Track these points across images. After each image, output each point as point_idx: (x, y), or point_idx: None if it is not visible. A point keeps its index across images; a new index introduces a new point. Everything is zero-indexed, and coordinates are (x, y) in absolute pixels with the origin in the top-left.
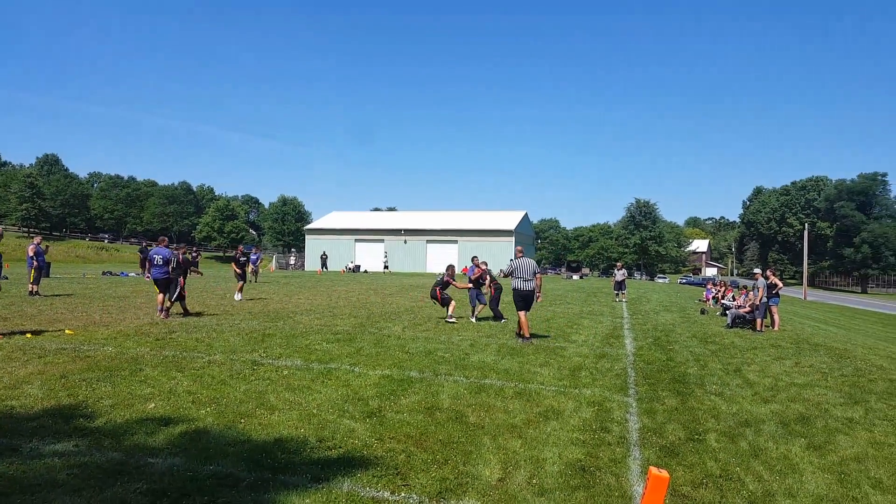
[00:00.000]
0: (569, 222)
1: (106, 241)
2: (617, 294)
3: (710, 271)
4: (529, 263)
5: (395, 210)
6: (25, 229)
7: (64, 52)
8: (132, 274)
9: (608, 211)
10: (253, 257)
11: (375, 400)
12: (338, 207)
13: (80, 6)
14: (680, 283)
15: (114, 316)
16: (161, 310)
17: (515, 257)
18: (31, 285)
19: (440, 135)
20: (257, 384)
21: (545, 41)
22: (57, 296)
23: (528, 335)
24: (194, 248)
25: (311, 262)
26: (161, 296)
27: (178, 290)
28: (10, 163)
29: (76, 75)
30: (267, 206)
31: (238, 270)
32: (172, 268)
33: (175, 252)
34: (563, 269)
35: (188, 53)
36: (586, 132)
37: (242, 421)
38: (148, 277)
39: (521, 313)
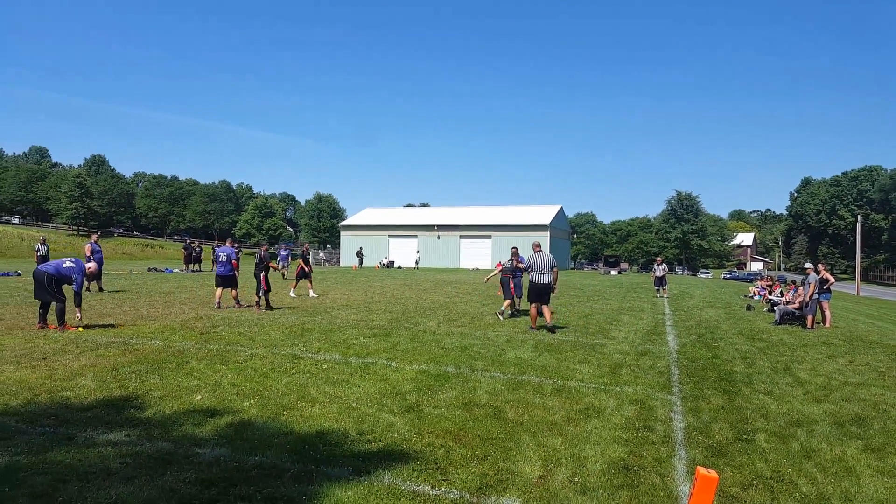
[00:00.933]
0: (606, 216)
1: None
2: (658, 290)
3: (756, 266)
4: (547, 257)
5: (428, 206)
6: (75, 228)
7: (108, 58)
8: (176, 270)
9: (647, 204)
10: (283, 253)
11: (413, 395)
12: (371, 204)
13: (122, 12)
14: (724, 278)
15: (160, 311)
16: (218, 305)
17: (534, 252)
18: (86, 282)
19: (473, 130)
20: (298, 377)
21: (582, 32)
22: (102, 290)
23: (534, 326)
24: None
25: (347, 258)
26: (219, 290)
27: (263, 285)
28: (60, 164)
29: (121, 80)
30: (303, 203)
31: (307, 268)
32: (256, 264)
33: (257, 250)
34: (601, 265)
35: (225, 57)
36: (624, 124)
37: (285, 413)
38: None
39: (533, 306)
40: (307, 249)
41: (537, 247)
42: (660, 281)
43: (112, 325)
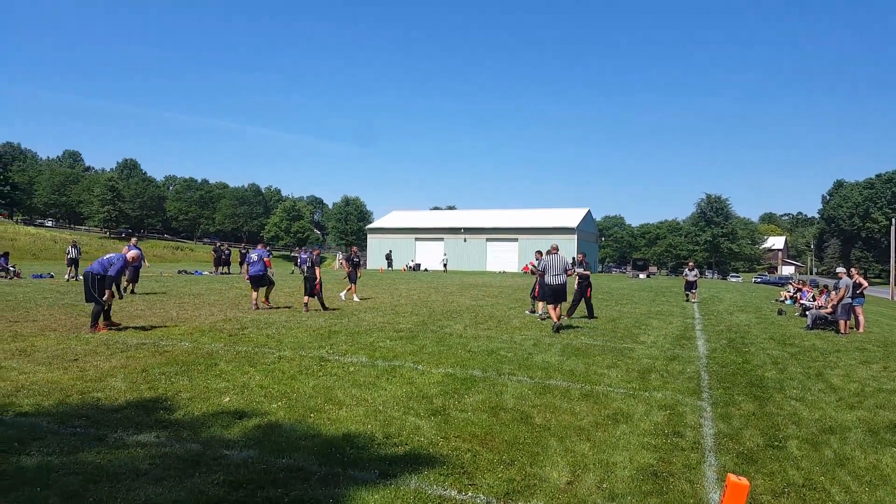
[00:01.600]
0: (634, 219)
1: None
2: (687, 294)
3: (787, 270)
4: (560, 260)
5: (455, 209)
6: (107, 230)
7: (138, 62)
8: (205, 273)
9: (677, 207)
10: (303, 256)
11: (440, 398)
12: (398, 206)
13: (148, 13)
14: (754, 282)
15: (190, 312)
16: (255, 306)
17: (548, 254)
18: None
19: (499, 131)
20: (325, 380)
21: (608, 31)
22: (135, 293)
23: (556, 320)
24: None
25: (373, 261)
26: (255, 292)
27: (316, 286)
28: (93, 167)
29: (150, 83)
30: (331, 206)
31: (349, 269)
32: (308, 266)
33: (310, 253)
34: (629, 268)
35: (251, 61)
36: (652, 125)
37: (312, 416)
38: (246, 277)
39: (550, 306)
40: (355, 252)
41: (554, 249)
42: (690, 285)
43: (143, 328)
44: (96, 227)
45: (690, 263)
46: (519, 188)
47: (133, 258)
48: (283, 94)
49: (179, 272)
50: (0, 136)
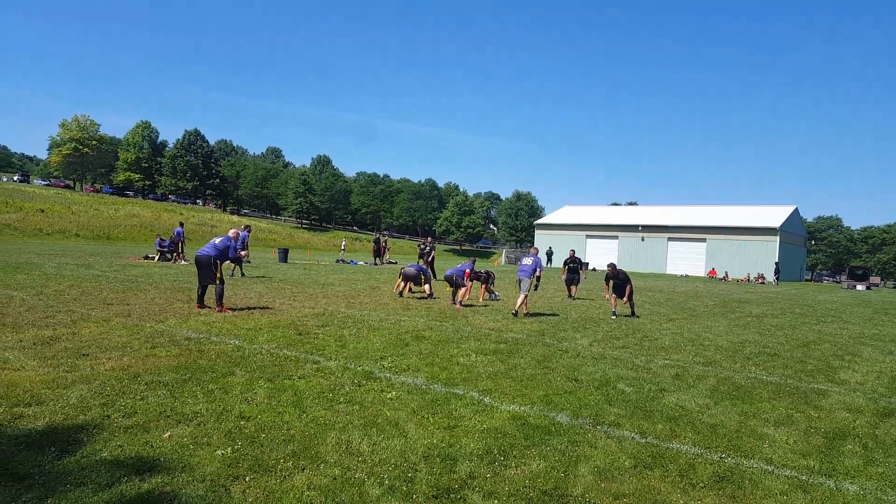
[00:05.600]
0: (854, 221)
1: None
2: None
3: None
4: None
5: (637, 205)
6: (299, 221)
7: (336, 72)
8: (361, 263)
9: None
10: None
11: (471, 463)
12: (574, 202)
13: (358, 22)
14: None
15: (294, 303)
16: (400, 293)
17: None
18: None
19: (689, 122)
20: (337, 410)
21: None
22: (260, 278)
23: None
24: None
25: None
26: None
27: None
28: (291, 163)
29: (347, 91)
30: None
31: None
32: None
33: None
34: (844, 277)
35: (439, 66)
36: (877, 110)
37: (244, 482)
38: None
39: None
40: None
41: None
42: None
43: (233, 309)
44: (291, 217)
45: None
46: (709, 183)
47: (234, 236)
48: (466, 96)
49: (338, 261)
50: (216, 134)
